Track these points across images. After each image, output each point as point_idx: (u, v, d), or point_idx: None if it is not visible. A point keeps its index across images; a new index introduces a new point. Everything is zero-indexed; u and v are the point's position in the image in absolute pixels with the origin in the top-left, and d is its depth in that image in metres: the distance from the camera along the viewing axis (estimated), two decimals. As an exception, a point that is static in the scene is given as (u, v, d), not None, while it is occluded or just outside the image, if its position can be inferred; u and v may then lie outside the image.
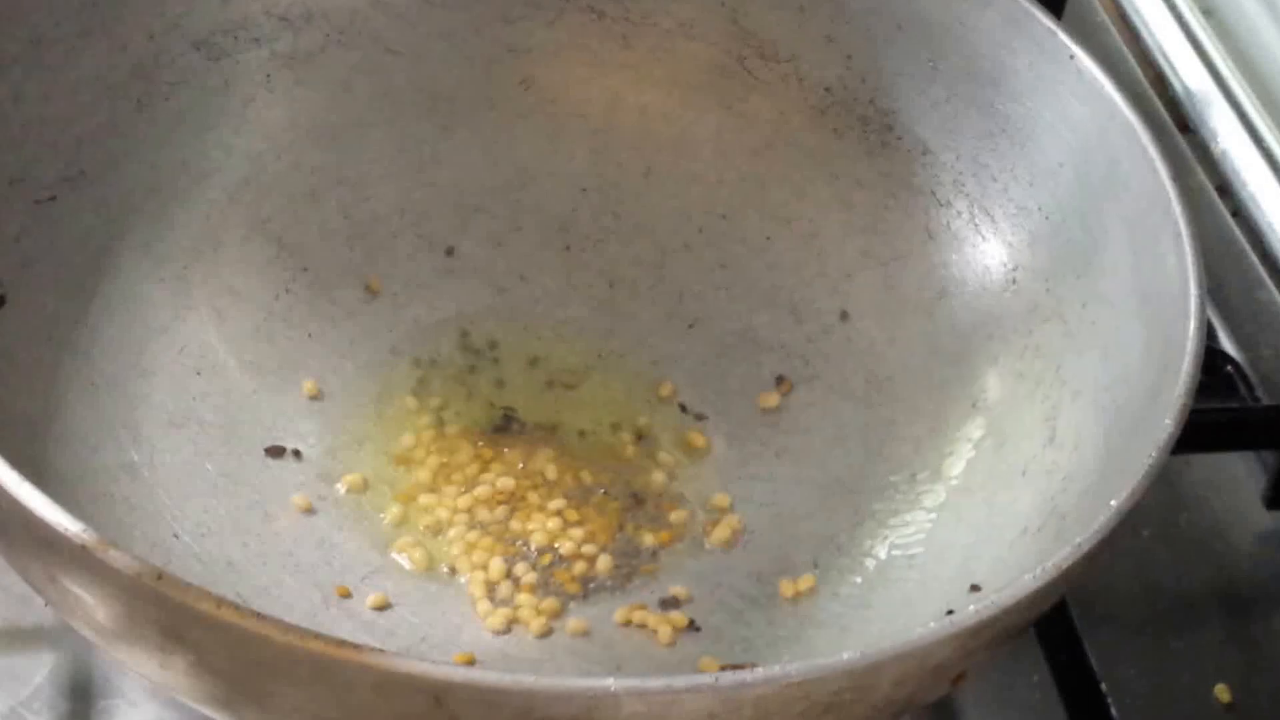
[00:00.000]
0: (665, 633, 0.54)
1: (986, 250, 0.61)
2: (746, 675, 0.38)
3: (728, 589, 0.56)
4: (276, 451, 0.57)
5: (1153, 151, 0.55)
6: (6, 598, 0.57)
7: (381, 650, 0.37)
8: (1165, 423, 0.47)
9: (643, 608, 0.55)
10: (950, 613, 0.41)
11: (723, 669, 0.52)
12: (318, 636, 0.37)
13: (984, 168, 0.62)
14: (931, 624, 0.41)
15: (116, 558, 0.37)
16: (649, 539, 0.57)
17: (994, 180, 0.61)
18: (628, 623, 0.54)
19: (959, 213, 0.62)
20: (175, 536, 0.52)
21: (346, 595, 0.54)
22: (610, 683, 0.38)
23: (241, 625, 0.37)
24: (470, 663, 0.52)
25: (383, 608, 0.53)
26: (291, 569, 0.54)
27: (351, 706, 0.38)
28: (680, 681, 0.38)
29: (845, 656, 0.39)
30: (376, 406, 0.59)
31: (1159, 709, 0.59)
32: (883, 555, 0.56)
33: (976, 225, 0.62)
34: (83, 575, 0.39)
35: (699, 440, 0.60)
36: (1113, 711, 0.56)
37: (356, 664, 0.37)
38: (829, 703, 0.40)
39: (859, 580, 0.56)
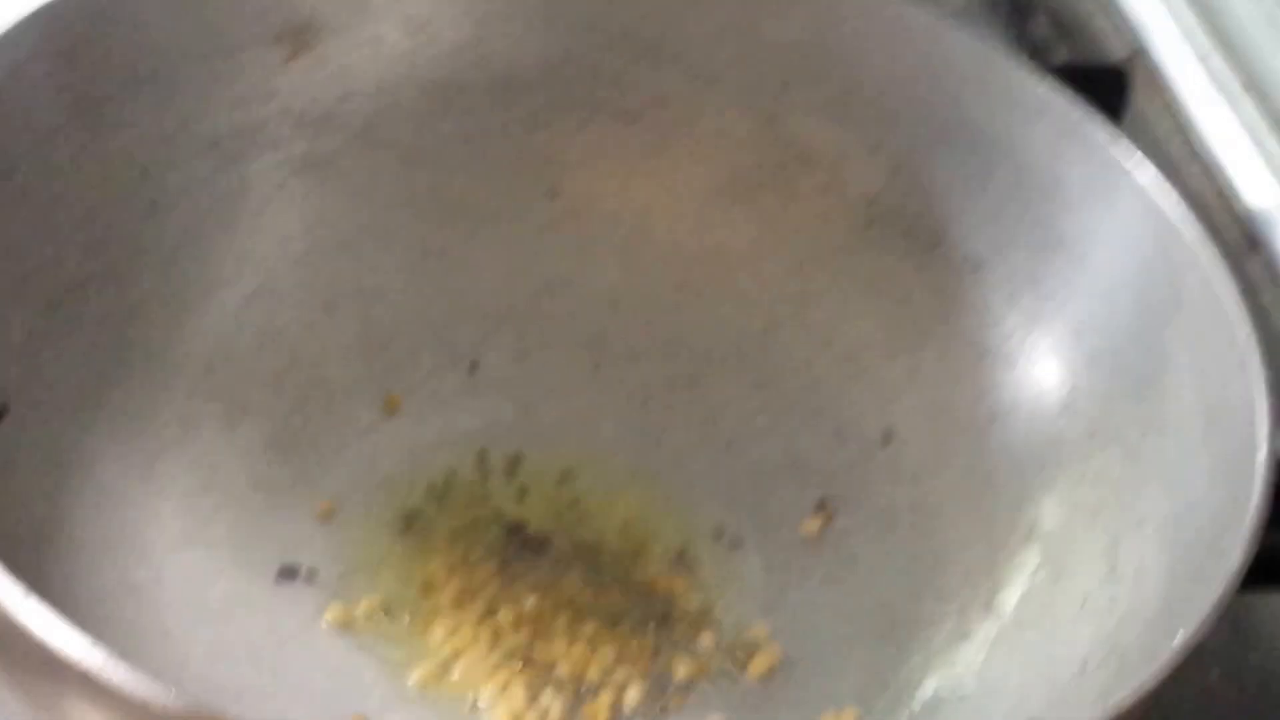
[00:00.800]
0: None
1: (1041, 371, 0.62)
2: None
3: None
4: (289, 573, 0.57)
5: (1217, 270, 0.56)
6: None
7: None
8: (1233, 557, 0.47)
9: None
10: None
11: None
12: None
13: (1038, 284, 0.62)
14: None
15: (136, 685, 0.38)
16: (682, 670, 0.57)
17: (1049, 298, 0.62)
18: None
19: (1011, 331, 0.63)
20: (182, 663, 0.52)
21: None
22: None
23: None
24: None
25: (403, 745, 0.53)
26: (305, 699, 0.54)
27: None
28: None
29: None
30: (394, 527, 0.60)
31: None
32: (931, 693, 0.56)
33: (1030, 345, 0.62)
34: (95, 703, 0.39)
35: (736, 567, 0.60)
36: None
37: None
38: None
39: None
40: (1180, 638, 0.44)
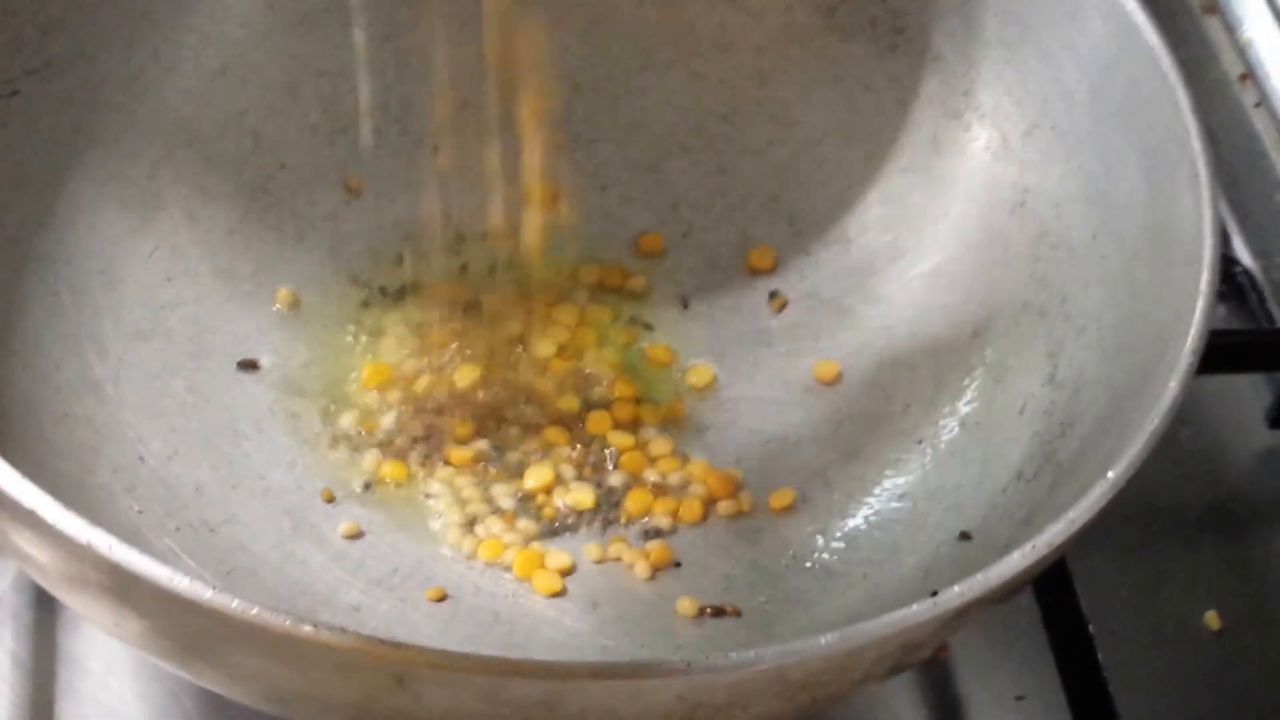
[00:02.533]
0: (644, 568, 0.53)
1: (996, 168, 0.60)
2: (719, 661, 0.38)
3: (711, 525, 0.55)
4: (249, 365, 0.56)
5: (1174, 80, 0.54)
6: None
7: (342, 630, 0.37)
8: (1170, 386, 0.46)
9: (622, 540, 0.54)
10: (934, 594, 0.40)
11: (701, 611, 0.52)
12: (275, 614, 0.36)
13: (997, 80, 0.60)
14: (915, 606, 0.40)
15: (69, 524, 0.37)
16: (630, 462, 0.56)
17: (1006, 94, 0.60)
18: (605, 558, 0.54)
19: (968, 126, 0.61)
20: (141, 460, 0.52)
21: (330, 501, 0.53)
22: (577, 664, 0.37)
23: (197, 601, 0.36)
24: (441, 598, 0.51)
25: (354, 536, 0.53)
26: (260, 494, 0.53)
27: (313, 681, 0.38)
28: (650, 665, 0.38)
29: (823, 641, 0.39)
30: (355, 315, 0.59)
31: (1147, 636, 0.59)
32: (873, 493, 0.56)
33: (986, 141, 0.60)
34: (34, 538, 0.38)
35: (689, 325, 0.60)
36: (1095, 640, 0.55)
37: (316, 643, 0.37)
38: (806, 682, 0.40)
39: (845, 520, 0.55)
40: (1114, 473, 0.43)
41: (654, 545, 0.54)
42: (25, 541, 0.39)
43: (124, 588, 0.37)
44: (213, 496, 0.52)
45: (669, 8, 0.64)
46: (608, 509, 0.55)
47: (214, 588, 0.36)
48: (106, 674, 0.55)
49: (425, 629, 0.49)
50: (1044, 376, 0.55)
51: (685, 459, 0.57)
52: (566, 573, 0.53)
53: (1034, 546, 0.42)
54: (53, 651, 0.55)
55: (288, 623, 0.36)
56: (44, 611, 0.56)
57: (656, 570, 0.54)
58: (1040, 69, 0.59)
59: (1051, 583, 0.56)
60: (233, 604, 0.36)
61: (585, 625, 0.52)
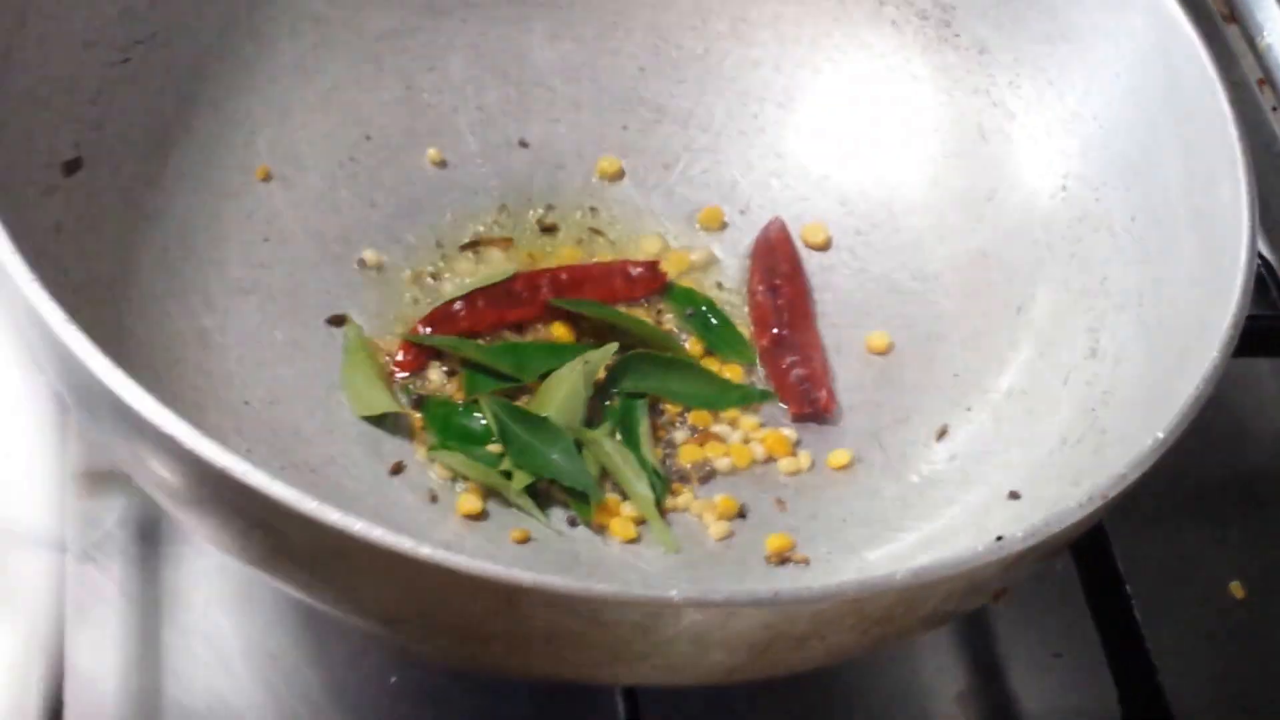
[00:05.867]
0: (711, 518, 0.55)
1: (1038, 155, 0.61)
2: (805, 591, 0.39)
3: (773, 481, 0.57)
4: (338, 320, 0.58)
5: (1212, 72, 0.55)
6: (78, 443, 0.58)
7: (459, 556, 0.38)
8: (1211, 356, 0.48)
9: (689, 492, 0.56)
10: (1000, 538, 0.42)
11: (769, 558, 0.53)
12: (399, 539, 0.38)
13: (1041, 71, 0.61)
14: (980, 547, 0.42)
15: (208, 450, 0.38)
16: (696, 418, 0.58)
17: (1050, 85, 0.61)
18: (674, 509, 0.55)
19: (1012, 115, 0.62)
20: (246, 403, 0.53)
21: (399, 469, 0.55)
22: (673, 593, 0.39)
23: (326, 523, 0.38)
24: (525, 540, 0.53)
25: (449, 479, 0.54)
26: (355, 439, 0.54)
27: (427, 602, 0.39)
28: (739, 595, 0.39)
29: (900, 575, 0.40)
30: (434, 276, 0.60)
31: (1175, 604, 0.61)
32: (924, 455, 0.57)
33: (1029, 129, 0.62)
34: (172, 462, 0.40)
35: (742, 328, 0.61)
36: (1133, 601, 0.56)
37: (434, 566, 0.38)
38: (880, 616, 0.41)
39: (898, 479, 0.56)
40: (1162, 433, 0.45)
41: (720, 498, 0.55)
42: (164, 468, 0.40)
43: (264, 513, 0.39)
44: (312, 440, 0.53)
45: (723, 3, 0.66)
46: (670, 462, 0.56)
47: (344, 514, 0.38)
48: (208, 606, 0.57)
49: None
50: (1086, 350, 0.56)
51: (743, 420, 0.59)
52: (640, 522, 0.54)
53: (1091, 498, 0.44)
54: (157, 585, 0.57)
55: (412, 546, 0.38)
56: (149, 547, 0.58)
57: (723, 520, 0.55)
58: (1082, 61, 0.60)
59: (1091, 547, 0.57)
60: (355, 526, 0.37)
61: (658, 569, 0.53)
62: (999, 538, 0.42)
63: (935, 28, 0.64)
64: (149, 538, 0.58)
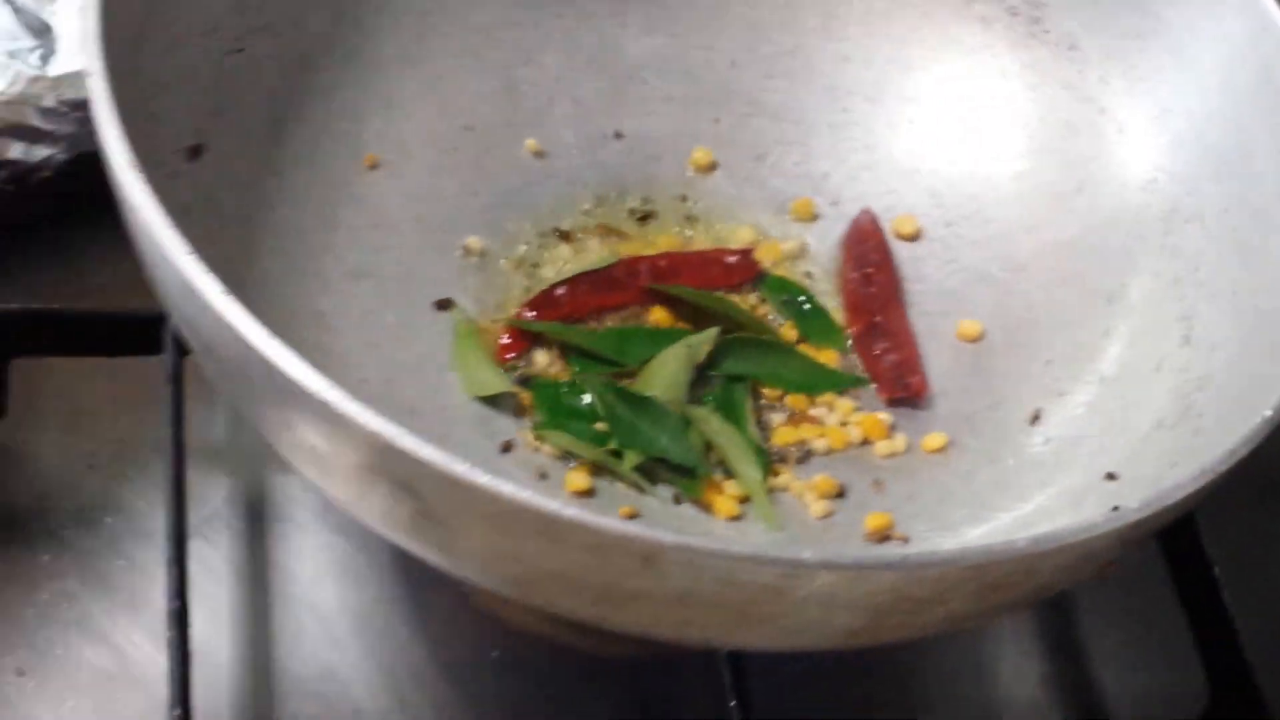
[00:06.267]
0: (812, 497, 0.57)
1: (1128, 149, 0.63)
2: (931, 555, 0.41)
3: (871, 463, 0.58)
4: (445, 305, 0.60)
5: (1306, 64, 0.57)
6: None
7: (601, 516, 0.40)
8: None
9: (789, 472, 0.57)
10: (1116, 508, 0.43)
11: (870, 535, 0.55)
12: (546, 500, 0.39)
13: (1131, 67, 0.63)
14: (1099, 518, 0.43)
15: (364, 417, 0.40)
16: (795, 400, 0.60)
17: (1140, 80, 0.63)
18: (774, 488, 0.57)
19: (1102, 109, 0.64)
20: (363, 381, 0.55)
21: (509, 448, 0.56)
22: (807, 554, 0.40)
23: (475, 484, 0.40)
24: (632, 516, 0.54)
25: (558, 458, 0.56)
26: (466, 418, 0.56)
27: (567, 561, 0.41)
28: (869, 558, 0.41)
29: (1021, 542, 0.42)
30: (535, 263, 0.62)
31: (1264, 582, 0.62)
32: (1018, 439, 0.58)
33: (1120, 123, 0.63)
34: (324, 429, 0.41)
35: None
36: (1222, 587, 0.58)
37: (576, 526, 0.40)
38: (998, 583, 0.43)
39: (993, 461, 0.58)
40: (1270, 411, 0.46)
41: (819, 477, 0.57)
42: (314, 434, 0.42)
43: (408, 476, 0.40)
44: (426, 418, 0.55)
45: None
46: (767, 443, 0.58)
47: (493, 476, 0.40)
48: (314, 581, 0.59)
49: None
50: (1179, 338, 0.58)
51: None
52: (743, 500, 0.56)
53: (1202, 471, 0.45)
54: (265, 560, 0.59)
55: (558, 506, 0.39)
56: (255, 523, 0.60)
57: (823, 499, 0.56)
58: (1172, 57, 0.62)
59: (1178, 530, 0.58)
60: (505, 488, 0.39)
61: (762, 545, 0.54)
62: (1115, 508, 0.43)
63: (1025, 24, 0.65)
64: (256, 514, 0.60)
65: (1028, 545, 0.42)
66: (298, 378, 0.41)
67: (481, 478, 0.39)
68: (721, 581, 0.41)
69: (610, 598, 0.42)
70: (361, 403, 0.41)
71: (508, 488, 0.39)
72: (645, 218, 0.64)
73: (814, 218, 0.65)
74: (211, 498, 0.60)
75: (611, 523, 0.39)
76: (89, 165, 0.64)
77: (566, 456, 0.56)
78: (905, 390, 0.60)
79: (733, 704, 0.52)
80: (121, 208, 0.46)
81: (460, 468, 0.39)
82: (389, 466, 0.40)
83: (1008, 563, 0.42)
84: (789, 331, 0.62)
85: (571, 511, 0.39)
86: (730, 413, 0.57)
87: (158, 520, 0.59)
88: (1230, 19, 0.60)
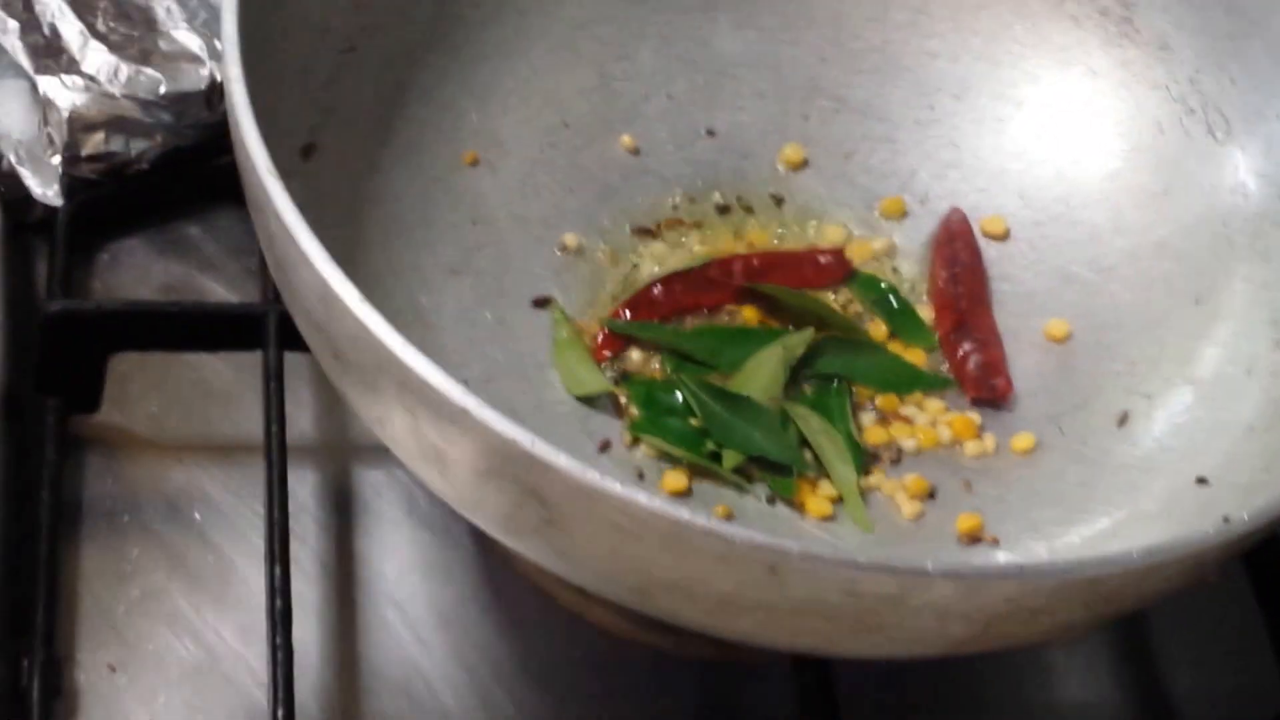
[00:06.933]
0: (903, 497, 0.58)
1: (1218, 151, 0.63)
2: (1049, 565, 0.42)
3: (960, 464, 0.59)
4: (542, 302, 0.61)
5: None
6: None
7: (728, 525, 0.41)
8: None
9: (880, 472, 0.59)
10: (1226, 519, 0.44)
11: (962, 537, 0.56)
12: (677, 509, 0.41)
13: (1222, 69, 0.64)
14: (1210, 529, 0.44)
15: (497, 423, 0.41)
16: (885, 401, 0.61)
17: (1232, 83, 0.63)
18: (867, 488, 0.58)
19: (1192, 110, 0.64)
20: (465, 382, 0.55)
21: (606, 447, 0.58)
22: (928, 565, 0.42)
23: (608, 492, 0.41)
24: (728, 516, 0.56)
25: (654, 457, 0.57)
26: (564, 416, 0.58)
27: (694, 569, 0.42)
28: (989, 568, 0.42)
29: (1136, 554, 0.43)
30: (630, 261, 0.63)
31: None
32: (1105, 441, 0.59)
33: (1210, 126, 0.64)
34: (454, 434, 0.43)
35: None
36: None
37: (706, 533, 0.41)
38: (1109, 594, 0.44)
39: (1081, 462, 0.59)
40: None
41: (911, 478, 0.58)
42: (444, 439, 0.43)
43: (537, 483, 0.42)
44: (525, 417, 0.55)
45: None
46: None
47: (623, 486, 0.41)
48: (400, 578, 0.60)
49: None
50: (1270, 342, 0.59)
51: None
52: (835, 500, 0.57)
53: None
54: (351, 556, 0.60)
55: (684, 517, 0.41)
56: (342, 519, 0.61)
57: (915, 499, 0.58)
58: (1266, 60, 0.62)
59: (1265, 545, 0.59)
60: (639, 497, 0.40)
61: (854, 545, 0.56)
62: (1225, 519, 0.44)
63: (1116, 23, 0.66)
64: (342, 510, 0.61)
65: (1142, 557, 0.43)
66: (437, 385, 0.42)
67: (614, 486, 0.41)
68: (844, 591, 0.42)
69: (729, 607, 0.43)
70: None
71: (641, 496, 0.41)
72: (736, 214, 0.65)
73: (903, 215, 0.66)
74: (299, 492, 0.61)
75: (741, 531, 0.41)
76: (183, 160, 0.66)
77: (663, 455, 0.57)
78: (991, 391, 0.61)
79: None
80: (255, 210, 0.48)
81: (592, 476, 0.41)
82: (517, 472, 0.42)
83: (1122, 575, 0.43)
84: (877, 330, 0.63)
85: (702, 520, 0.41)
86: (829, 412, 0.58)
87: (247, 515, 0.60)
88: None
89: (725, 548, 0.41)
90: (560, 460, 0.40)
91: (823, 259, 0.64)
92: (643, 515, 0.41)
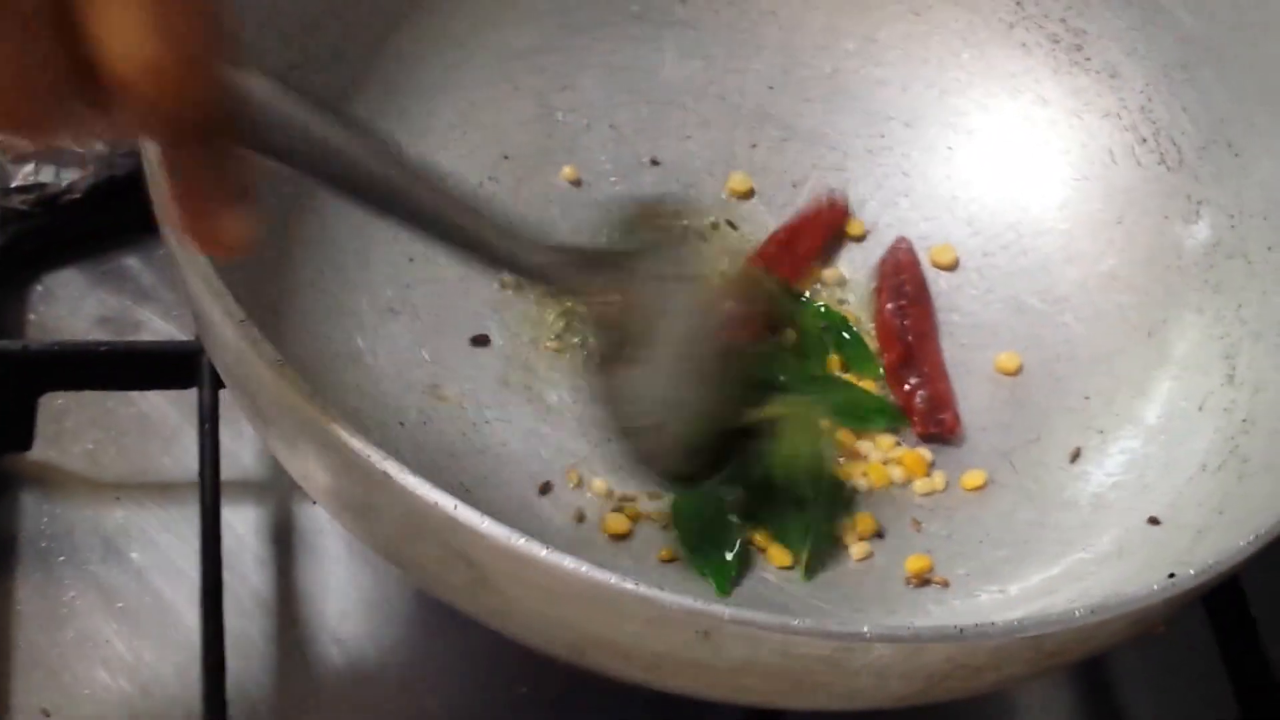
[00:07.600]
0: (851, 538, 0.57)
1: (1170, 180, 0.63)
2: (990, 627, 0.41)
3: (909, 502, 0.59)
4: (481, 340, 0.60)
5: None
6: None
7: (659, 590, 0.40)
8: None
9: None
10: (1172, 575, 0.44)
11: (909, 579, 0.55)
12: (605, 575, 0.40)
13: (1175, 97, 0.63)
14: (1156, 586, 0.44)
15: (419, 488, 0.40)
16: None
17: (1184, 111, 0.63)
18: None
19: (1144, 139, 0.64)
20: (400, 424, 0.55)
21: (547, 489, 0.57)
22: (865, 629, 0.41)
23: (535, 558, 0.40)
24: (670, 560, 0.55)
25: (603, 495, 0.56)
26: (505, 460, 0.57)
27: (626, 631, 0.42)
28: (927, 631, 0.41)
29: (1079, 613, 0.42)
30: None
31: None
32: (1057, 477, 0.59)
33: (1162, 154, 0.63)
34: (380, 497, 0.42)
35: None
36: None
37: (636, 599, 0.40)
38: (1054, 650, 0.44)
39: (1032, 500, 0.58)
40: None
41: (860, 516, 0.57)
42: (375, 504, 0.42)
43: (462, 546, 0.41)
44: (464, 461, 0.55)
45: (856, 19, 0.67)
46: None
47: (549, 548, 0.40)
48: (342, 615, 0.59)
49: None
50: (1222, 377, 0.58)
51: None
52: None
53: (1258, 535, 0.45)
54: (292, 592, 0.59)
55: (612, 581, 0.40)
56: (283, 554, 0.60)
57: (863, 540, 0.57)
58: (1219, 89, 0.62)
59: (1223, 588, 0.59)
60: (567, 563, 0.40)
61: (802, 590, 0.55)
62: (1171, 575, 0.44)
63: (1066, 51, 0.65)
64: (283, 546, 0.61)
65: (1085, 615, 0.42)
66: (357, 449, 0.41)
67: (539, 552, 0.40)
68: (780, 654, 0.41)
69: (665, 665, 0.43)
70: (400, 449, 0.41)
71: (567, 561, 0.40)
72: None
73: (851, 243, 0.65)
74: (238, 528, 0.60)
75: (670, 597, 0.40)
76: (116, 189, 0.65)
77: (608, 496, 0.56)
78: (939, 426, 0.60)
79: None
80: (172, 264, 0.47)
81: (518, 541, 0.40)
82: (444, 536, 0.41)
83: (1064, 633, 0.42)
84: (830, 362, 0.62)
85: (630, 586, 0.40)
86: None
87: (186, 553, 0.59)
88: (1276, 47, 0.60)
89: (655, 612, 0.40)
90: (484, 525, 0.40)
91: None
92: (569, 580, 0.40)
